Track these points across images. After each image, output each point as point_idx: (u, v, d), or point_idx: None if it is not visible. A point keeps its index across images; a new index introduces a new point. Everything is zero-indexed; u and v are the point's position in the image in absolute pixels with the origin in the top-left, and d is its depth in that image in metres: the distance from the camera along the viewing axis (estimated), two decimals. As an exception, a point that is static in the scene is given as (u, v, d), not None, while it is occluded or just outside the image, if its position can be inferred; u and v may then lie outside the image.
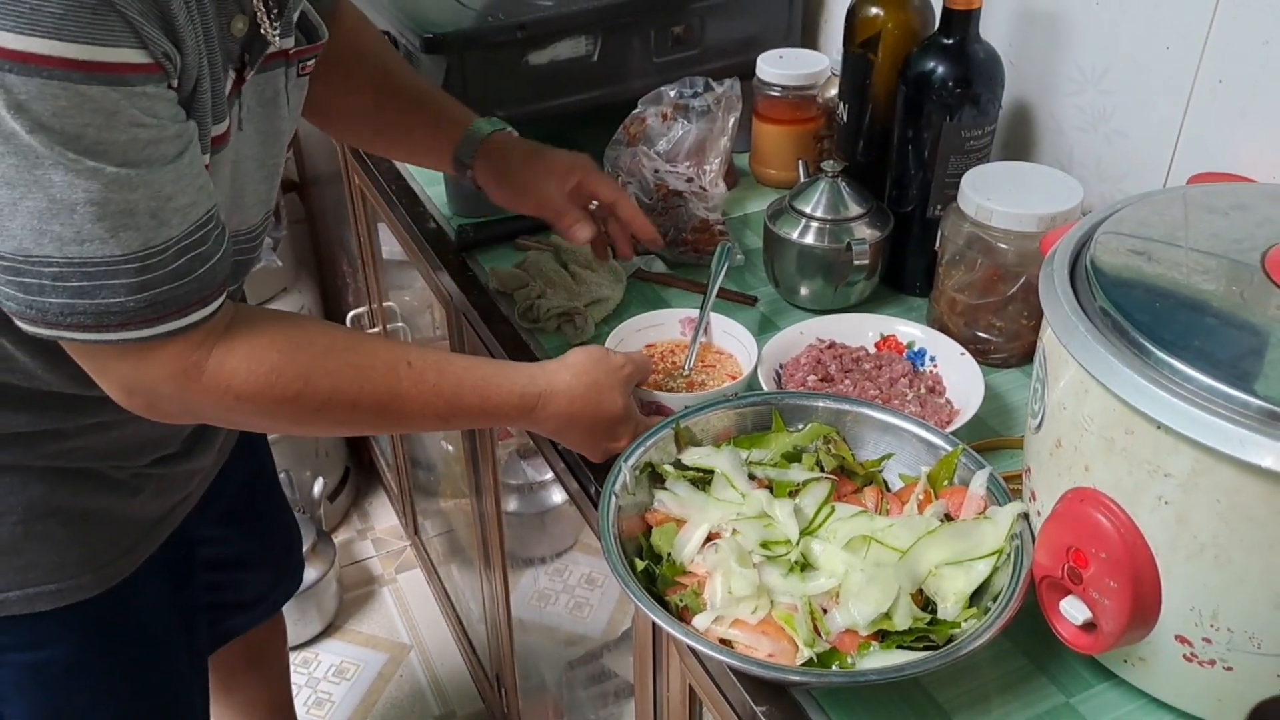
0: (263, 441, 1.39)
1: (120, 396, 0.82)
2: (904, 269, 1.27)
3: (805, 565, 0.87)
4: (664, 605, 0.85)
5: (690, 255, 1.29)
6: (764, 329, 1.21)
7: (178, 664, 1.15)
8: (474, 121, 1.15)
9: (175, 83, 0.74)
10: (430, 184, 1.44)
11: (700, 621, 0.83)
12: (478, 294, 1.25)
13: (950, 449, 0.93)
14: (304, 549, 1.58)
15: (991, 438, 1.07)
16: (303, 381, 0.83)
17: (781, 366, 1.10)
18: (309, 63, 0.95)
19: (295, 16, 0.89)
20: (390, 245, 1.62)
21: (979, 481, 0.90)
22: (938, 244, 1.17)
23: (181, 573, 1.16)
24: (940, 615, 0.84)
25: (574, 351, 0.95)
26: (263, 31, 0.83)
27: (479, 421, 0.92)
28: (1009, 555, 0.84)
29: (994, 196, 1.09)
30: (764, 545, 0.87)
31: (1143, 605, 0.73)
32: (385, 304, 1.79)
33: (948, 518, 0.90)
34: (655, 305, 1.26)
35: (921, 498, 0.92)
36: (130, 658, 1.08)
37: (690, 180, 1.27)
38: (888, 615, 0.82)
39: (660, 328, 1.12)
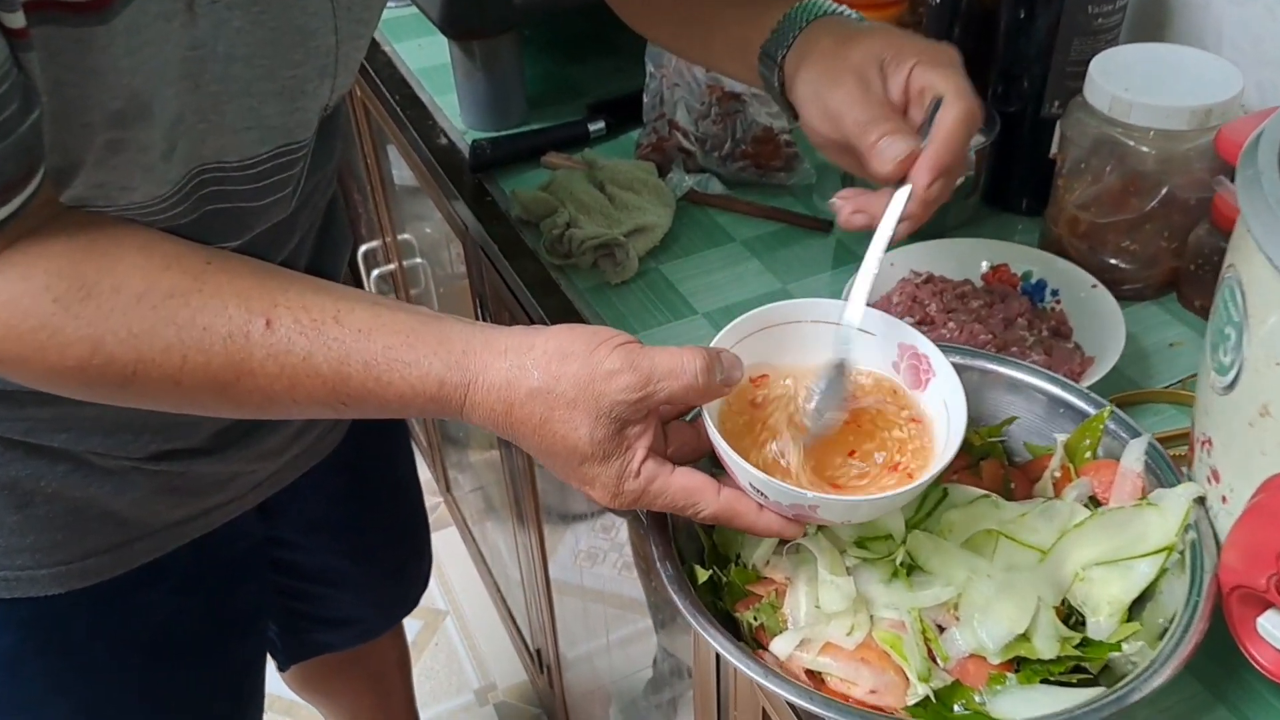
0: (379, 456, 1.18)
1: None
2: (1010, 182, 1.07)
3: (913, 568, 0.67)
4: (733, 625, 0.66)
5: (751, 172, 1.10)
6: (842, 261, 1.02)
7: (191, 671, 1.01)
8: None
9: None
10: (441, 91, 1.24)
11: (780, 646, 0.64)
12: (498, 224, 1.08)
13: (1094, 410, 0.73)
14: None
15: (1129, 390, 0.86)
16: (89, 347, 0.60)
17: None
18: None
19: None
20: (402, 169, 1.43)
21: (1134, 454, 0.70)
22: (1055, 149, 0.99)
23: (234, 574, 1.02)
24: (1091, 633, 0.65)
25: (558, 330, 0.62)
26: None
27: (384, 412, 0.64)
28: (1181, 554, 0.65)
29: (1132, 86, 0.88)
30: (859, 543, 0.68)
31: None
32: (400, 237, 1.60)
33: (1093, 501, 0.70)
34: (711, 233, 1.06)
35: (1058, 475, 0.72)
36: (95, 659, 0.93)
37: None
38: (1025, 636, 0.63)
39: (799, 336, 0.69)
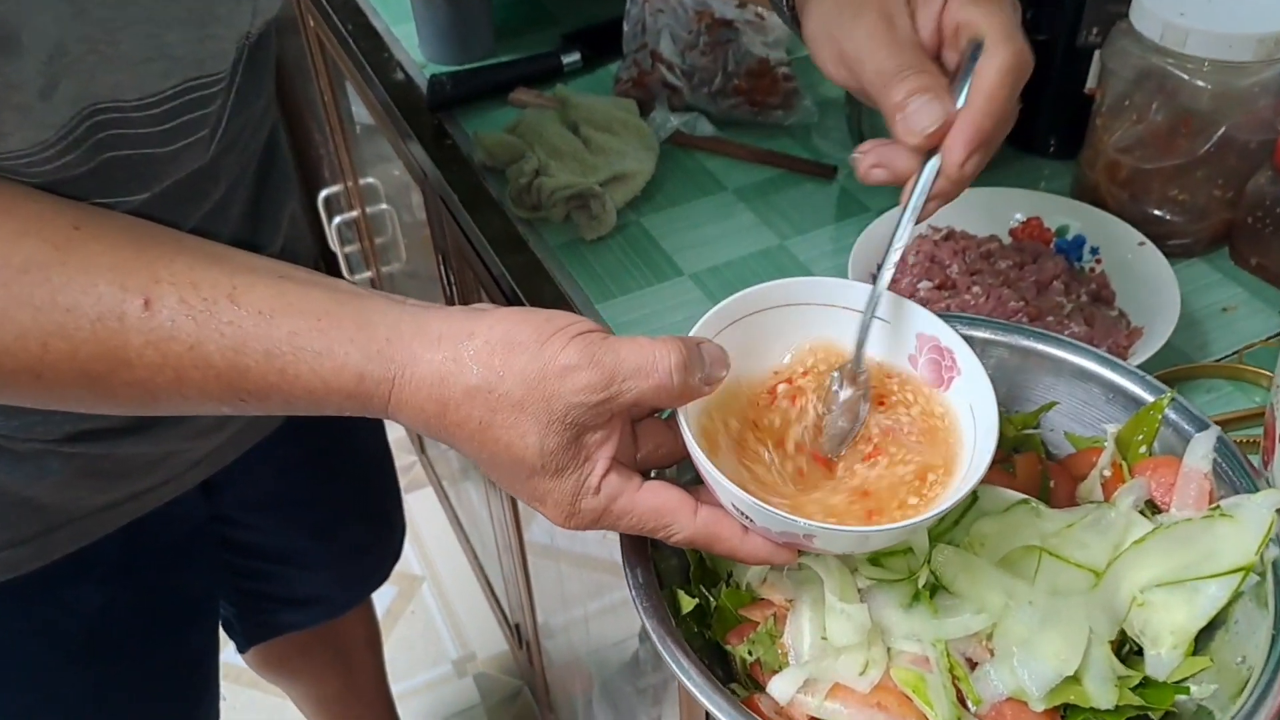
0: (337, 421, 1.09)
1: None
2: (1037, 120, 0.95)
3: (938, 589, 0.57)
4: (724, 659, 0.56)
5: (745, 110, 0.99)
6: (848, 212, 0.92)
7: (134, 668, 0.95)
8: None
9: None
10: (397, 20, 1.13)
11: (780, 688, 0.54)
12: (458, 170, 0.99)
13: (1150, 396, 0.62)
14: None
15: (1178, 364, 0.75)
16: None
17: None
18: None
19: None
20: (362, 108, 1.31)
21: (1200, 450, 0.59)
22: (1092, 83, 0.90)
23: (176, 561, 0.96)
24: (1150, 669, 0.55)
25: (505, 315, 0.51)
26: None
27: (291, 409, 0.53)
28: (1261, 577, 0.54)
29: (1188, 11, 0.77)
30: (874, 560, 0.57)
31: None
32: (363, 182, 1.47)
33: (1150, 507, 0.60)
34: (699, 181, 0.94)
35: (1108, 474, 0.61)
36: (25, 660, 0.87)
37: (743, 5, 0.94)
38: (1075, 678, 0.53)
39: (801, 323, 0.58)
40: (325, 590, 1.21)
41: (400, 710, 1.56)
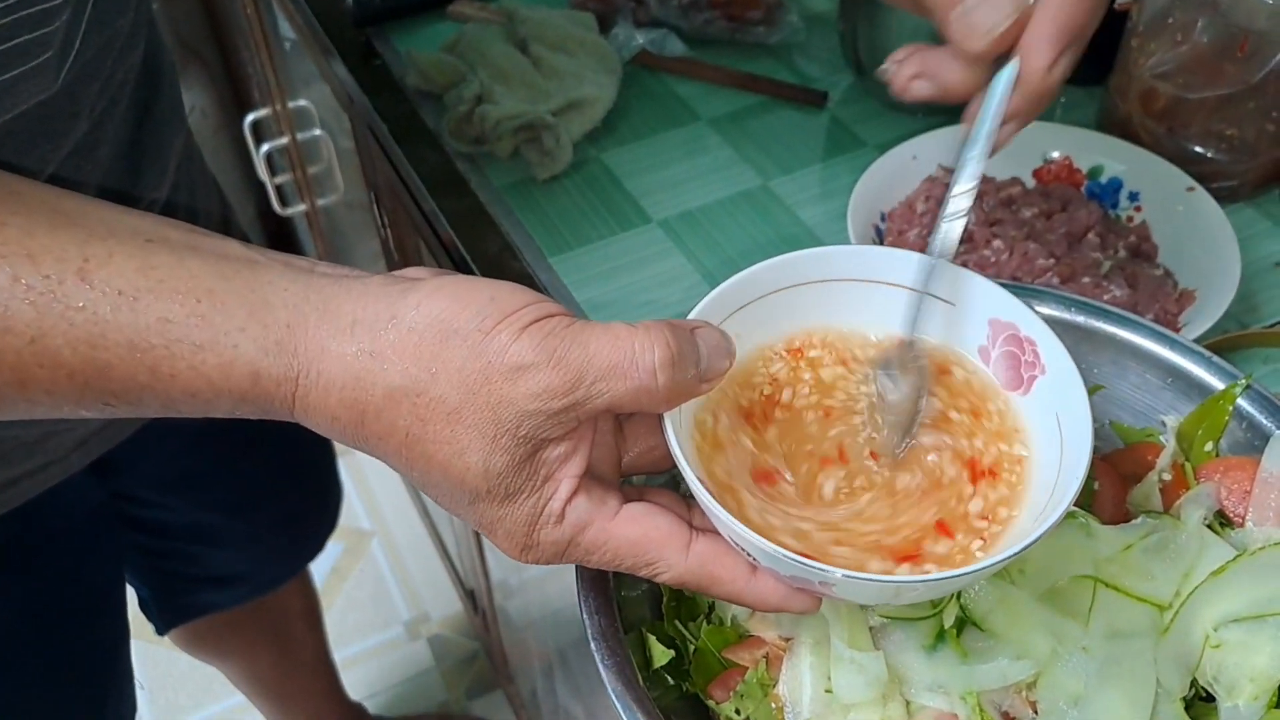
0: None
1: None
2: (1059, 40, 0.82)
3: (967, 625, 0.46)
4: (703, 714, 0.46)
5: (721, 28, 0.88)
6: (841, 147, 0.81)
7: (25, 670, 0.87)
8: None
9: None
10: None
11: (775, 759, 0.43)
12: (389, 96, 0.87)
13: (1219, 383, 0.51)
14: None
15: (1228, 331, 0.65)
16: None
17: (884, 218, 0.66)
18: None
19: None
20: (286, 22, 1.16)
21: None
22: None
23: (69, 550, 0.88)
24: (1224, 723, 0.45)
25: (435, 289, 0.40)
26: None
27: (172, 412, 0.43)
28: (1365, 611, 0.44)
29: None
30: (890, 594, 0.46)
31: None
32: (293, 105, 1.33)
33: (1220, 518, 0.49)
34: (669, 109, 0.83)
35: (1168, 478, 0.51)
36: None
37: (720, -99, 0.81)
38: None
39: (837, 303, 0.46)
40: (249, 567, 1.12)
41: (349, 676, 1.46)
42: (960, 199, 0.44)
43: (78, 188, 0.61)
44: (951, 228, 0.44)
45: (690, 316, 0.42)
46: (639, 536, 0.41)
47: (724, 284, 0.43)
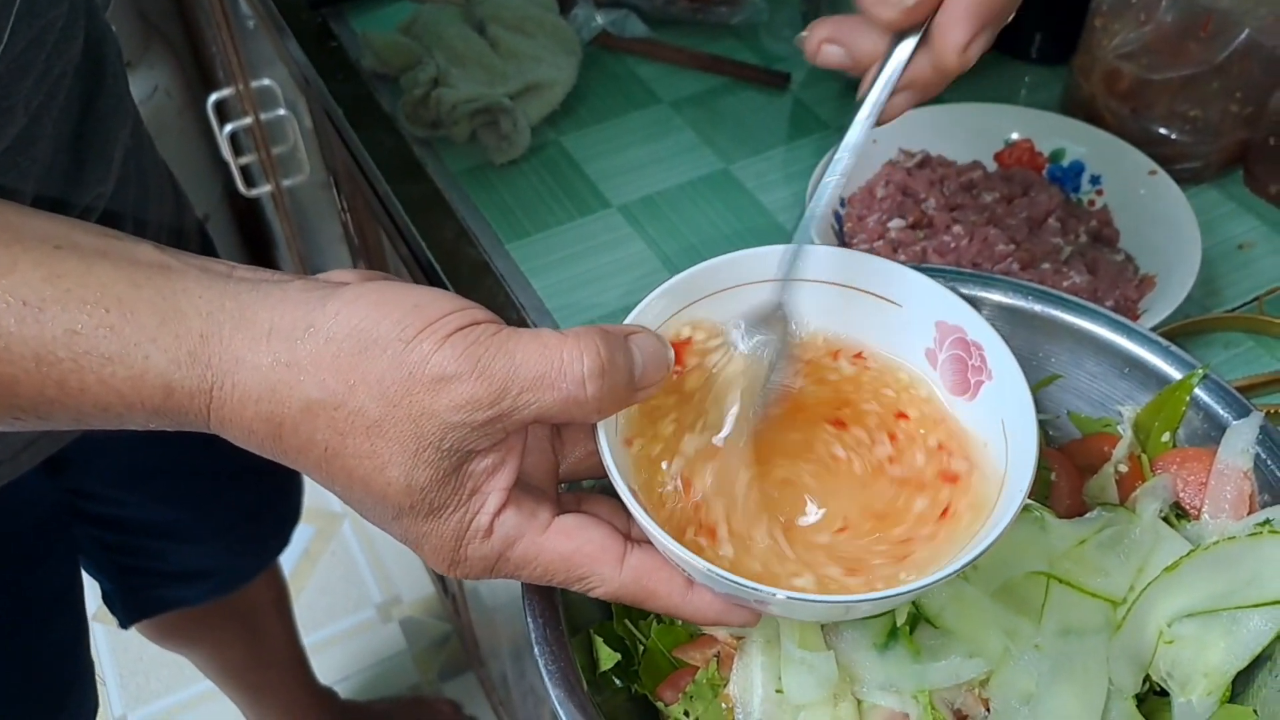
0: None
1: None
2: (1022, 18, 0.80)
3: (920, 621, 0.46)
4: (654, 716, 0.45)
5: (683, 8, 0.87)
6: (805, 129, 0.80)
7: None
8: None
9: None
10: None
11: (724, 761, 0.43)
12: (344, 78, 0.84)
13: (1176, 372, 0.51)
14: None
15: (1190, 316, 0.64)
16: None
17: (844, 203, 0.65)
18: None
19: None
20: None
21: (1239, 442, 0.49)
22: None
23: (22, 551, 0.86)
24: (1177, 717, 0.44)
25: (355, 297, 0.38)
26: None
27: (85, 425, 0.41)
28: (1318, 606, 0.44)
29: None
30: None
31: None
32: (256, 84, 1.30)
33: (1176, 511, 0.49)
34: (630, 92, 0.82)
35: (1125, 469, 0.50)
36: None
37: (679, -123, 0.80)
38: None
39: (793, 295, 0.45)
40: (214, 562, 1.10)
41: (321, 659, 1.45)
42: (840, 161, 0.42)
43: (16, 184, 0.59)
44: (830, 183, 0.43)
45: (628, 320, 0.41)
46: (570, 551, 0.40)
47: (665, 284, 0.42)
